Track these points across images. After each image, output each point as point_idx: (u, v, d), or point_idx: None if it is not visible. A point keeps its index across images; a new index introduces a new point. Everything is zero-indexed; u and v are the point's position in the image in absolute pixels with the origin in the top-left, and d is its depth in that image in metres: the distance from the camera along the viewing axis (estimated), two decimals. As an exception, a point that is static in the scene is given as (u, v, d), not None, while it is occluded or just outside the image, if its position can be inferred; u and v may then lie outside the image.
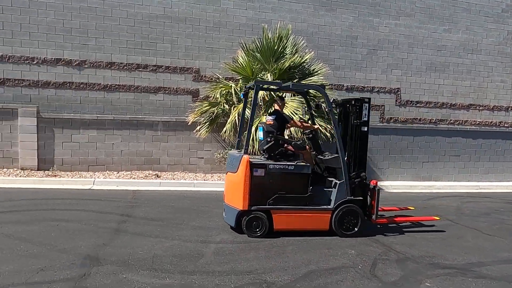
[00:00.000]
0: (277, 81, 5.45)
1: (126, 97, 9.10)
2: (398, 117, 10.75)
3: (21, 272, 3.34)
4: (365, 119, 5.19)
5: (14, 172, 7.84)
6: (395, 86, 10.80)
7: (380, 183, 9.17)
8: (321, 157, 5.48)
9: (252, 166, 4.70)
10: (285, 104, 6.06)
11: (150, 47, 9.29)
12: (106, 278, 3.30)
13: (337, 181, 5.01)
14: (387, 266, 3.96)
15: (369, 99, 5.37)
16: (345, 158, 5.04)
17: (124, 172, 8.59)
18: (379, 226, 5.44)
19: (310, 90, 6.97)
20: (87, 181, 7.69)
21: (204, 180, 8.36)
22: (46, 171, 8.09)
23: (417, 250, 4.50)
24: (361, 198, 5.03)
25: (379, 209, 5.14)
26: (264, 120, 7.42)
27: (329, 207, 4.90)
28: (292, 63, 7.85)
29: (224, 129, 7.69)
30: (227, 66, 8.45)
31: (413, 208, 6.12)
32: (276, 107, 5.70)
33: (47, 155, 8.32)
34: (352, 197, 4.93)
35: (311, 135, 5.63)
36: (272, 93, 7.43)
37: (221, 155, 8.31)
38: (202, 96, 9.61)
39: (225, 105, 8.17)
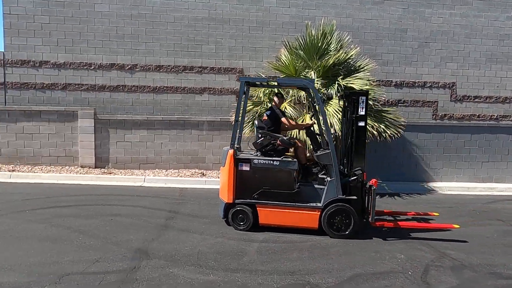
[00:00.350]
0: (263, 77, 5.23)
1: (174, 98, 9.46)
2: (453, 114, 10.00)
3: (79, 262, 3.61)
4: (362, 113, 4.88)
5: (74, 170, 8.50)
6: (450, 81, 10.07)
7: (433, 185, 8.62)
8: (315, 153, 5.29)
9: (237, 160, 4.85)
10: (283, 102, 5.88)
11: (196, 49, 9.57)
12: (154, 272, 3.45)
13: (328, 179, 4.82)
14: (441, 274, 3.69)
15: (367, 91, 5.12)
16: (335, 154, 4.83)
17: (172, 170, 8.93)
18: (384, 229, 5.03)
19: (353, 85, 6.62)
20: (138, 178, 8.12)
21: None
22: (102, 169, 8.67)
23: (475, 258, 4.15)
24: (355, 197, 4.73)
25: (390, 211, 5.03)
26: (307, 119, 7.32)
27: (318, 205, 4.74)
28: (336, 60, 7.63)
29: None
30: (270, 65, 8.43)
31: (436, 214, 5.58)
32: (276, 102, 5.65)
33: (103, 154, 8.92)
34: (343, 196, 4.69)
35: (308, 131, 5.48)
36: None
37: (264, 154, 8.30)
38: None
39: (268, 104, 8.14)
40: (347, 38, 8.32)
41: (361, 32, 9.78)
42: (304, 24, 9.51)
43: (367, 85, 7.45)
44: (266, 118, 5.48)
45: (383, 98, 8.83)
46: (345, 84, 7.43)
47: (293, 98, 7.96)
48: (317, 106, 5.27)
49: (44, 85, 9.14)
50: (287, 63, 7.95)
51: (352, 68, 8.13)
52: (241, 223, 4.81)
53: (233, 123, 5.66)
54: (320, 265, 3.77)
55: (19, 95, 9.10)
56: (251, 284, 3.31)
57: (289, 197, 4.81)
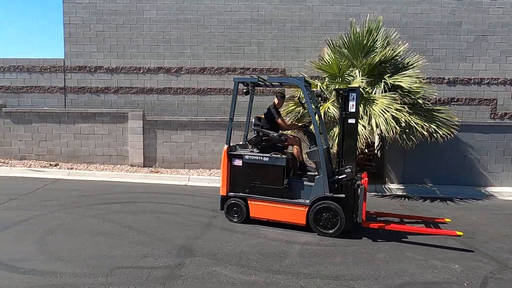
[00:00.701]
0: (254, 77, 5.42)
1: (217, 99, 9.66)
2: (515, 112, 9.18)
3: (129, 257, 3.79)
4: (352, 110, 4.77)
5: (125, 168, 9.00)
6: (511, 77, 9.26)
7: (491, 189, 7.94)
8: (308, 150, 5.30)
9: (231, 156, 5.17)
10: (283, 101, 6.07)
11: (238, 50, 9.70)
12: (198, 269, 3.53)
13: (316, 176, 4.85)
14: (501, 287, 3.38)
15: (358, 88, 5.08)
16: (323, 152, 4.87)
17: (215, 170, 9.11)
18: (380, 231, 4.73)
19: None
20: (183, 177, 8.39)
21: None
22: (150, 168, 9.08)
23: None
24: (342, 195, 4.66)
25: (387, 214, 4.94)
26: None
27: (306, 201, 4.81)
28: (383, 57, 7.31)
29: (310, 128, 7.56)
30: (312, 65, 8.30)
31: (449, 221, 5.04)
32: (275, 102, 5.82)
33: (151, 153, 9.34)
34: (330, 194, 4.67)
35: (306, 130, 5.56)
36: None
37: (305, 155, 8.18)
38: (287, 96, 9.65)
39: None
40: (394, 34, 7.96)
41: (409, 28, 9.32)
42: (348, 21, 9.23)
43: (416, 83, 7.07)
44: (264, 116, 5.76)
45: (434, 97, 8.31)
46: (392, 82, 7.11)
47: (335, 98, 7.75)
48: (308, 105, 5.26)
49: (98, 88, 9.78)
50: (330, 62, 7.77)
51: (400, 66, 7.76)
52: (235, 216, 5.10)
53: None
54: (365, 271, 3.63)
55: (76, 98, 9.82)
56: (293, 287, 3.27)
57: (278, 192, 4.94)
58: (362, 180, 4.67)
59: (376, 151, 8.67)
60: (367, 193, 4.82)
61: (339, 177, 4.75)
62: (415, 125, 6.87)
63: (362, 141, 6.76)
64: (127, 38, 9.69)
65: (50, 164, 8.97)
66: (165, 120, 9.35)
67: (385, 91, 7.19)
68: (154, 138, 9.31)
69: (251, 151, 5.34)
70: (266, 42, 9.66)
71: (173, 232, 4.59)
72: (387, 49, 7.43)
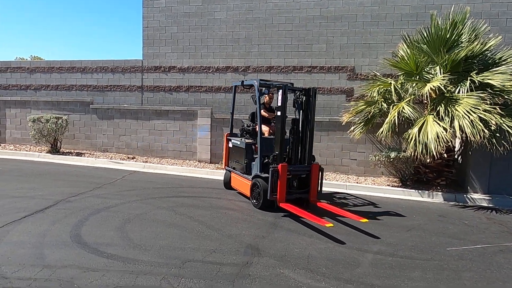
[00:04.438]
0: (243, 80, 7.04)
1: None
2: None
3: (199, 250, 3.91)
4: (279, 104, 5.52)
5: (193, 164, 9.40)
6: None
7: None
8: None
9: (228, 140, 6.97)
10: (271, 99, 6.92)
11: (306, 48, 9.52)
12: (265, 270, 3.50)
13: (256, 158, 6.03)
14: None
15: (285, 85, 5.60)
16: (261, 139, 5.88)
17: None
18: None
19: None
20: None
21: (357, 182, 7.98)
22: (216, 164, 9.36)
23: None
24: (266, 175, 5.51)
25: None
26: (429, 120, 6.50)
27: (249, 177, 6.00)
28: (469, 52, 6.58)
29: (381, 129, 7.12)
30: (386, 62, 7.80)
31: (365, 221, 4.62)
32: (264, 99, 6.85)
33: (217, 150, 9.63)
34: (260, 173, 5.70)
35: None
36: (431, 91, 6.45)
37: (377, 157, 7.74)
38: (356, 95, 9.24)
39: (383, 103, 7.56)
40: (484, 27, 7.11)
41: (501, 19, 8.29)
42: (427, 15, 8.55)
43: (511, 80, 6.23)
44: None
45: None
46: (480, 80, 6.37)
47: (412, 97, 7.20)
48: (257, 102, 6.09)
49: (171, 87, 10.35)
50: (406, 59, 7.22)
51: (490, 62, 6.94)
52: (226, 184, 6.93)
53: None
54: (448, 290, 3.27)
55: (152, 96, 10.52)
56: (366, 298, 3.06)
57: (242, 168, 6.34)
58: (278, 165, 5.35)
59: (456, 156, 7.87)
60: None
61: (265, 160, 5.73)
62: (508, 129, 6.06)
63: (442, 144, 6.16)
64: (199, 39, 10.10)
65: (128, 157, 9.74)
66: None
67: (471, 90, 6.47)
68: (221, 135, 9.56)
69: (243, 137, 6.65)
70: (335, 39, 9.35)
71: (239, 230, 4.64)
72: (475, 43, 6.67)
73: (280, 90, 5.54)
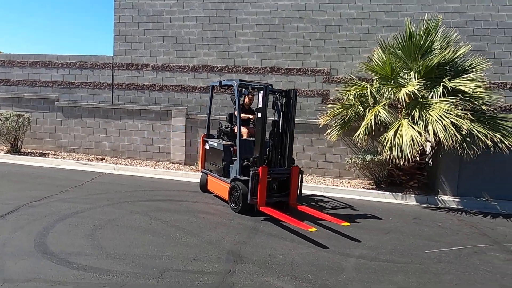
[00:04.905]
0: (220, 80, 6.91)
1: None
2: None
3: (178, 258, 3.70)
4: (260, 105, 5.42)
5: (167, 165, 9.08)
6: None
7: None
8: None
9: (205, 141, 6.75)
10: (250, 100, 6.74)
11: (283, 50, 9.49)
12: (249, 278, 3.36)
13: (235, 160, 5.83)
14: None
15: (266, 86, 5.55)
16: (240, 142, 5.71)
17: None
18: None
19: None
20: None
21: (333, 185, 8.03)
22: (191, 166, 9.10)
23: None
24: (245, 178, 5.38)
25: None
26: (404, 124, 6.65)
27: (228, 180, 5.80)
28: (442, 59, 6.80)
29: (358, 132, 7.19)
30: (363, 66, 7.91)
31: (347, 224, 4.71)
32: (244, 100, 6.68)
33: (192, 151, 9.36)
34: (239, 176, 5.54)
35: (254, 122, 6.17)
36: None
37: (353, 160, 7.83)
38: (332, 98, 9.32)
39: (359, 107, 7.66)
40: (455, 35, 7.39)
41: (469, 28, 8.67)
42: (401, 21, 8.78)
43: (480, 87, 6.50)
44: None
45: (501, 103, 7.63)
46: (453, 86, 6.59)
47: (387, 101, 7.34)
48: (237, 102, 5.98)
49: (144, 86, 9.96)
50: (382, 64, 7.35)
51: (460, 69, 7.20)
52: (203, 187, 6.68)
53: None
54: (432, 293, 3.29)
55: (123, 95, 10.07)
56: (353, 305, 3.00)
57: (219, 171, 6.15)
58: (259, 168, 5.20)
59: (427, 160, 8.12)
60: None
61: (245, 163, 5.56)
62: (477, 134, 6.31)
63: (417, 148, 6.30)
64: (173, 36, 9.80)
65: (97, 158, 9.25)
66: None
67: (443, 96, 6.68)
68: (196, 136, 9.31)
69: (220, 139, 6.47)
70: (312, 42, 9.39)
71: (219, 235, 4.47)
72: (447, 50, 6.90)
73: (261, 92, 5.43)
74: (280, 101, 5.75)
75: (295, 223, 4.64)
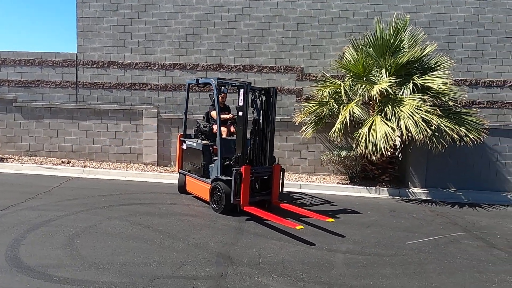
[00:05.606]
0: (198, 78, 6.41)
1: (234, 97, 9.40)
2: (540, 117, 9.00)
3: (166, 264, 3.56)
4: (241, 104, 5.38)
5: (139, 167, 8.75)
6: (537, 80, 9.10)
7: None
8: None
9: (182, 141, 6.57)
10: (223, 98, 6.67)
11: (256, 48, 9.46)
12: (243, 280, 3.31)
13: (215, 160, 5.75)
14: None
15: (247, 84, 5.48)
16: (220, 141, 5.57)
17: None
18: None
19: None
20: (200, 177, 8.13)
21: (310, 181, 8.14)
22: (165, 167, 8.83)
23: None
24: (227, 178, 5.33)
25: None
26: (377, 120, 6.88)
27: (208, 180, 5.71)
28: (411, 57, 7.10)
29: (333, 129, 7.32)
30: (336, 64, 8.07)
31: (331, 220, 4.88)
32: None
33: (165, 152, 9.09)
34: (221, 176, 5.43)
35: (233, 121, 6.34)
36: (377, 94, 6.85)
37: (328, 156, 7.98)
38: (306, 96, 9.44)
39: (334, 104, 7.81)
40: (421, 34, 7.74)
41: (432, 28, 9.12)
42: (370, 20, 9.08)
43: (446, 84, 6.86)
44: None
45: (464, 99, 8.09)
46: (422, 83, 6.91)
47: (360, 98, 7.55)
48: (215, 100, 5.91)
49: (112, 84, 9.52)
50: (355, 62, 7.54)
51: (427, 66, 7.57)
52: (180, 188, 6.50)
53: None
54: (420, 284, 3.42)
55: (89, 94, 9.56)
56: (348, 301, 3.05)
57: (199, 171, 6.01)
58: (242, 167, 5.15)
59: (398, 154, 8.46)
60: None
61: (226, 162, 5.44)
62: (445, 128, 6.67)
63: (390, 143, 6.55)
64: (142, 33, 9.44)
65: (63, 162, 8.71)
66: (181, 118, 9.01)
67: (413, 92, 6.98)
68: (169, 136, 9.05)
69: (198, 139, 6.30)
70: (284, 40, 9.44)
71: (205, 237, 4.36)
72: (416, 49, 7.22)
73: (242, 90, 5.36)
74: (260, 99, 5.72)
75: (282, 222, 4.64)
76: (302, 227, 4.45)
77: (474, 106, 9.08)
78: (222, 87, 5.78)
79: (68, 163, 8.67)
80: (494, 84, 9.33)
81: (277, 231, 4.74)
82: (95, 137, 9.12)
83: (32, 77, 9.48)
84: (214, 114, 6.38)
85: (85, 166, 8.45)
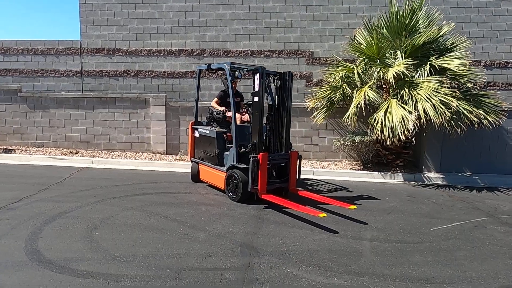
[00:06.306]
0: (209, 63, 6.12)
1: (241, 84, 9.19)
2: (557, 98, 8.78)
3: (190, 256, 3.46)
4: (256, 89, 5.17)
5: (148, 156, 8.62)
6: (555, 59, 8.84)
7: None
8: None
9: (193, 129, 6.41)
10: (235, 84, 6.28)
11: (264, 32, 9.20)
12: (272, 271, 3.21)
13: (230, 147, 5.57)
14: None
15: (262, 68, 5.16)
16: (235, 127, 5.38)
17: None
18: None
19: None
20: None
21: (322, 168, 8.02)
22: (175, 156, 8.71)
23: None
24: (244, 165, 5.18)
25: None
26: (393, 104, 6.69)
27: (223, 168, 5.56)
28: (428, 38, 6.85)
29: (347, 113, 7.14)
30: (349, 47, 7.83)
31: (354, 207, 4.74)
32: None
33: (174, 140, 8.94)
34: (237, 164, 5.27)
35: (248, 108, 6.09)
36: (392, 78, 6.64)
37: (341, 142, 7.83)
38: (316, 80, 9.23)
39: (347, 88, 7.61)
40: (437, 14, 7.46)
41: (446, 7, 8.82)
42: (381, 1, 8.79)
43: (465, 65, 6.64)
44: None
45: (484, 80, 7.87)
46: (440, 64, 6.70)
47: (375, 81, 7.34)
48: (229, 86, 5.68)
49: (117, 72, 9.32)
50: (368, 44, 7.29)
51: (442, 47, 7.32)
52: (194, 176, 6.37)
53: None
54: (453, 272, 3.31)
55: (94, 82, 9.38)
56: (382, 290, 2.95)
57: (213, 159, 5.86)
58: (259, 155, 4.99)
59: (411, 138, 8.29)
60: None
61: (242, 150, 5.32)
62: (463, 111, 6.48)
63: (408, 127, 6.38)
64: (147, 18, 9.18)
65: (71, 152, 8.59)
66: (189, 106, 8.85)
67: (430, 74, 6.77)
68: (178, 124, 8.89)
69: (211, 126, 6.08)
70: (293, 23, 9.17)
71: (225, 227, 4.26)
72: (433, 29, 6.96)
73: (257, 74, 5.17)
74: (274, 83, 5.54)
75: (303, 210, 4.53)
76: (325, 215, 4.34)
77: (488, 88, 8.86)
78: (236, 72, 5.59)
79: (76, 153, 8.55)
80: (510, 65, 9.08)
81: (298, 219, 4.63)
82: (102, 126, 8.97)
83: (36, 66, 9.28)
84: (214, 104, 6.41)
85: (94, 156, 8.33)
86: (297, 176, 5.57)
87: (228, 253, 3.54)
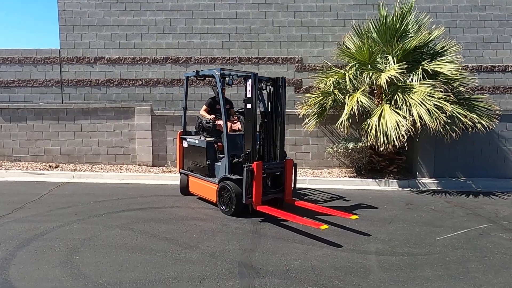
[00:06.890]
0: (197, 69, 5.86)
1: (230, 91, 8.94)
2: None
3: (183, 279, 3.13)
4: (249, 96, 4.93)
5: (133, 168, 8.22)
6: (540, 63, 8.96)
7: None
8: None
9: (182, 139, 6.11)
10: (225, 91, 5.84)
11: (252, 38, 9.02)
12: (275, 294, 2.91)
13: (222, 157, 5.32)
14: None
15: (255, 74, 4.95)
16: (226, 137, 5.10)
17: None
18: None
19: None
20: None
21: (316, 176, 7.79)
22: (161, 167, 8.32)
23: None
24: (237, 176, 4.93)
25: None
26: (386, 109, 6.56)
27: (215, 180, 5.27)
28: (419, 42, 6.79)
29: (340, 120, 6.95)
30: (339, 52, 7.70)
31: (355, 217, 4.53)
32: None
33: (160, 151, 8.57)
34: (229, 175, 5.00)
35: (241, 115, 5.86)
36: (384, 83, 6.53)
37: (334, 149, 7.64)
38: (305, 87, 9.07)
39: (338, 94, 7.45)
40: (426, 18, 7.43)
41: (432, 12, 8.84)
42: (369, 6, 8.78)
43: (459, 69, 6.58)
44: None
45: (475, 84, 7.86)
46: (432, 68, 6.62)
47: (367, 87, 7.21)
48: (219, 93, 5.38)
49: (100, 81, 8.93)
50: (359, 49, 7.17)
51: (433, 52, 7.27)
52: (183, 189, 6.04)
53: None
54: (468, 287, 3.09)
55: (75, 92, 8.96)
56: (397, 311, 2.69)
57: (203, 171, 5.55)
58: (253, 164, 4.73)
59: (404, 144, 8.18)
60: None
61: (234, 160, 5.04)
62: (457, 115, 6.40)
63: (403, 132, 6.23)
64: (130, 26, 8.86)
65: (50, 166, 8.10)
66: (176, 115, 8.55)
67: (422, 79, 6.68)
68: (164, 134, 8.54)
69: (202, 135, 5.82)
70: (281, 29, 9.02)
71: (220, 244, 3.94)
72: (424, 33, 6.91)
73: (249, 80, 4.92)
74: (267, 90, 5.31)
75: (303, 222, 4.26)
76: (327, 227, 4.07)
77: (477, 92, 8.88)
78: (227, 78, 5.32)
79: (56, 167, 8.07)
80: (496, 69, 9.16)
81: (297, 232, 4.36)
82: (84, 138, 8.52)
83: (12, 77, 8.79)
84: (202, 112, 6.16)
85: (75, 170, 7.87)
86: (293, 186, 5.31)
87: (225, 275, 3.22)
